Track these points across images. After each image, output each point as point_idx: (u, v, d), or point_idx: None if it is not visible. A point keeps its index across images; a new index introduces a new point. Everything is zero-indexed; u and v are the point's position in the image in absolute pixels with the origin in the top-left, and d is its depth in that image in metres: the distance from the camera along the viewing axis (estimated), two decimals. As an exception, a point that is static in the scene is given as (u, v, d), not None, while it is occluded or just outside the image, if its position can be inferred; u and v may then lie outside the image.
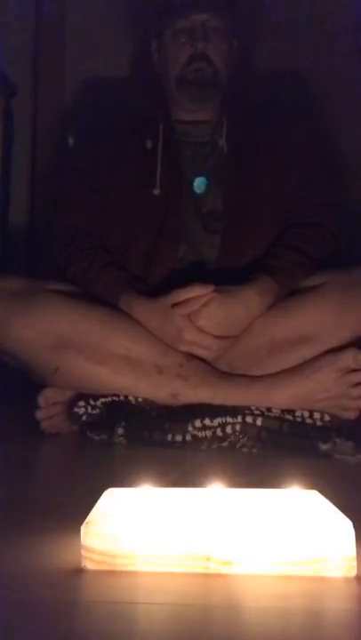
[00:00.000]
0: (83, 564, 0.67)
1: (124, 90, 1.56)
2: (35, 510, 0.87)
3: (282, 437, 1.28)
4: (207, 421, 1.28)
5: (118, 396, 1.33)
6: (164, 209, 1.43)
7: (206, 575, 0.65)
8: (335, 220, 1.47)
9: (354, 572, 0.66)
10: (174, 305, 1.31)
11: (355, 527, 0.67)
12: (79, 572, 0.66)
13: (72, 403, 1.34)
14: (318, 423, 1.30)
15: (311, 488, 0.81)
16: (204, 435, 1.28)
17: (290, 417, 1.30)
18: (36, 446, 1.31)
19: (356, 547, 0.66)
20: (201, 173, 1.46)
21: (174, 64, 1.45)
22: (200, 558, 0.66)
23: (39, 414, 1.36)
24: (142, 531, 0.67)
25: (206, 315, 1.31)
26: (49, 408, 1.36)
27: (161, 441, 1.28)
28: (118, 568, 0.66)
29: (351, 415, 1.31)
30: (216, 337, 1.32)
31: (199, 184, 1.46)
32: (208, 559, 0.66)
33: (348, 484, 1.08)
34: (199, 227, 1.45)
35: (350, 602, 0.62)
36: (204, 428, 1.28)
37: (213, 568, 0.66)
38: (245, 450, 1.28)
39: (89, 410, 1.32)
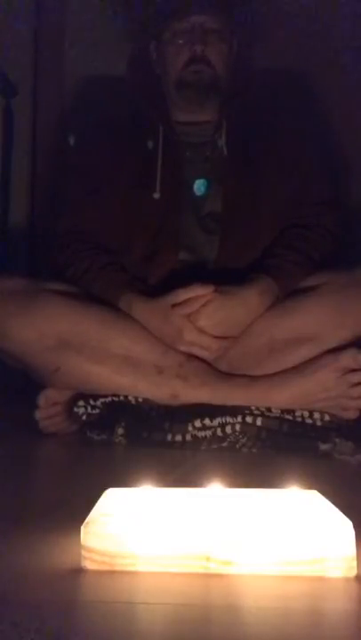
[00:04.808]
0: (83, 564, 0.67)
1: (124, 90, 1.55)
2: (35, 510, 0.87)
3: (282, 437, 1.28)
4: (207, 421, 1.28)
5: (118, 395, 1.33)
6: (164, 211, 1.43)
7: (206, 575, 0.65)
8: (335, 219, 1.47)
9: (354, 572, 0.66)
10: (174, 305, 1.31)
11: (355, 527, 0.67)
12: (79, 571, 0.66)
13: (72, 403, 1.34)
14: (318, 423, 1.30)
15: (311, 488, 0.81)
16: (204, 435, 1.28)
17: (290, 417, 1.30)
18: (36, 446, 1.31)
19: (356, 547, 0.66)
20: (201, 174, 1.46)
21: (173, 66, 1.45)
22: (200, 558, 0.66)
23: (38, 414, 1.36)
24: (142, 531, 0.67)
25: (206, 315, 1.31)
26: (49, 408, 1.36)
27: (161, 441, 1.28)
28: (118, 568, 0.66)
29: (351, 415, 1.31)
30: (216, 337, 1.32)
31: (199, 186, 1.46)
32: (208, 559, 0.66)
33: (348, 484, 1.08)
34: (198, 228, 1.45)
35: (350, 602, 0.62)
36: (204, 427, 1.28)
37: (213, 568, 0.66)
38: (245, 450, 1.28)
39: (89, 410, 1.33)
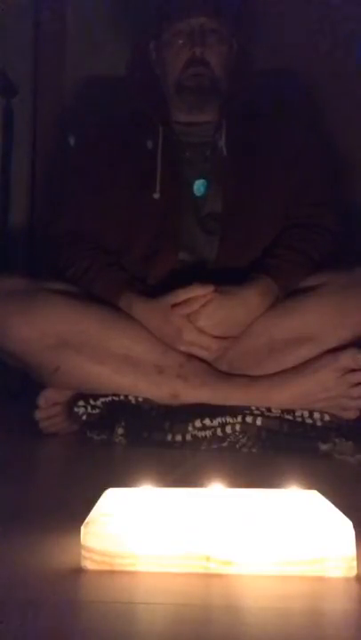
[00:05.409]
0: (83, 564, 0.67)
1: (124, 90, 1.55)
2: (35, 510, 0.87)
3: (282, 437, 1.28)
4: (207, 421, 1.28)
5: (118, 395, 1.33)
6: (164, 211, 1.43)
7: (206, 575, 0.65)
8: (334, 219, 1.47)
9: (354, 572, 0.66)
10: (174, 305, 1.31)
11: (355, 527, 0.67)
12: (79, 571, 0.66)
13: (72, 403, 1.34)
14: (318, 423, 1.30)
15: (311, 488, 0.81)
16: (204, 435, 1.28)
17: (290, 417, 1.30)
18: (36, 446, 1.31)
19: (357, 547, 0.66)
20: (201, 175, 1.46)
21: (172, 67, 1.45)
22: (200, 558, 0.66)
23: (38, 414, 1.36)
24: (142, 531, 0.67)
25: (206, 315, 1.31)
26: (49, 408, 1.36)
27: (161, 441, 1.28)
28: (118, 568, 0.66)
29: (351, 415, 1.31)
30: (216, 337, 1.32)
31: (199, 187, 1.46)
32: (208, 559, 0.66)
33: (348, 484, 1.08)
34: (198, 228, 1.45)
35: (350, 602, 0.62)
36: (204, 427, 1.28)
37: (213, 568, 0.66)
38: (245, 450, 1.28)
39: (89, 410, 1.33)
